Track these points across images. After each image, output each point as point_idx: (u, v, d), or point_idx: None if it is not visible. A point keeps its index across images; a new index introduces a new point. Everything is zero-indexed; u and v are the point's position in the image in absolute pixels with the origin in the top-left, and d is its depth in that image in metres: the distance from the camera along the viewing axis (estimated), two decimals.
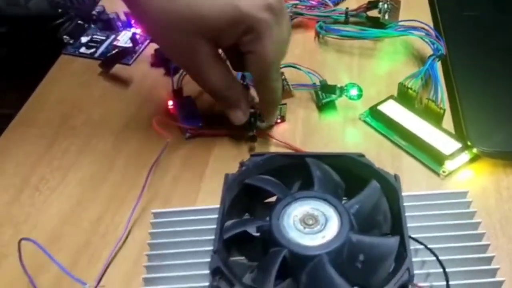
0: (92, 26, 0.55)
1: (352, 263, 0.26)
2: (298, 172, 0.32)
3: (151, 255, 0.32)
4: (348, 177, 0.31)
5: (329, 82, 0.44)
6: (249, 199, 0.31)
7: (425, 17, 0.52)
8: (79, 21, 0.54)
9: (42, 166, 0.41)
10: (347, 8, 0.52)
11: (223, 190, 0.30)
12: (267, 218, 0.28)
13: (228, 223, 0.29)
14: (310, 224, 0.27)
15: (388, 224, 0.29)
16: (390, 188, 0.29)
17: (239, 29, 0.34)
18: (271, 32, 0.34)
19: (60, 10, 0.56)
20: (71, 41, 0.53)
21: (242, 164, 0.31)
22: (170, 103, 0.45)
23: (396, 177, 0.30)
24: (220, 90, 0.38)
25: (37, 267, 0.34)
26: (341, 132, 0.43)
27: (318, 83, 0.44)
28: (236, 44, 0.35)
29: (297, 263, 0.26)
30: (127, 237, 0.36)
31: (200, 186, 0.39)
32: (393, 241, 0.26)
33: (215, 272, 0.26)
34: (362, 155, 0.31)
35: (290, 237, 0.27)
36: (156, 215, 0.34)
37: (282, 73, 0.43)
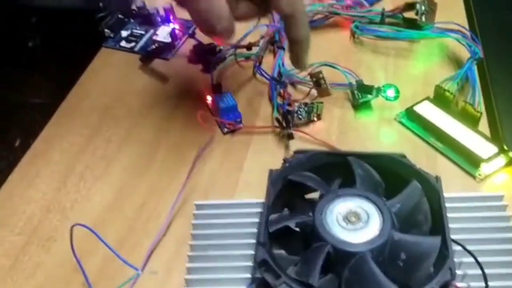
0: (132, 20, 0.56)
1: (393, 261, 0.27)
2: (338, 170, 0.33)
3: (194, 245, 0.33)
4: (388, 176, 0.32)
5: (365, 82, 0.45)
6: (290, 195, 0.32)
7: (461, 19, 0.53)
8: (119, 16, 0.56)
9: (86, 155, 0.43)
10: (383, 9, 0.52)
11: (268, 185, 0.31)
12: (310, 214, 0.29)
13: (272, 217, 0.30)
14: (353, 221, 0.28)
15: (428, 224, 0.30)
16: (431, 189, 0.30)
17: None
18: None
19: (101, 4, 0.57)
20: (111, 35, 0.54)
21: (285, 160, 0.32)
22: (209, 98, 0.46)
23: (437, 178, 0.31)
24: (212, 13, 0.35)
25: (85, 252, 0.35)
26: (376, 132, 0.43)
27: (354, 82, 0.45)
28: None
29: (340, 258, 0.27)
30: (168, 226, 0.37)
31: (238, 180, 0.40)
32: (436, 240, 0.27)
33: (261, 264, 0.27)
34: (403, 156, 0.32)
35: (333, 233, 0.28)
36: (199, 206, 0.36)
37: (320, 72, 0.44)
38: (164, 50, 0.51)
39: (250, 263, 0.32)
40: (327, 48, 0.52)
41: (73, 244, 0.33)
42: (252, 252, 0.32)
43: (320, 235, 0.28)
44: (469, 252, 0.29)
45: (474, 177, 0.38)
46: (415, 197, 0.30)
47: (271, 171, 0.32)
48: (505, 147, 0.38)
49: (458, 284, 0.28)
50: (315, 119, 0.44)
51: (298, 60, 0.40)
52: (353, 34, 0.52)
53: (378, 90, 0.43)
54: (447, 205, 0.32)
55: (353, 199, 0.29)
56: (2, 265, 0.36)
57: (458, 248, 0.30)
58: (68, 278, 0.35)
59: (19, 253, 0.36)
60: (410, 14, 0.51)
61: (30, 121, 0.79)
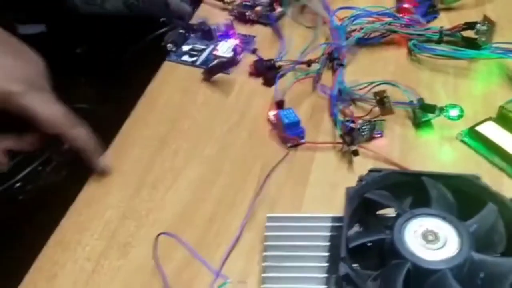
0: (192, 35, 0.59)
1: (472, 280, 0.28)
2: (410, 189, 0.34)
3: (268, 256, 0.35)
4: (461, 197, 0.32)
5: (425, 100, 0.46)
6: (364, 211, 0.33)
7: None
8: (181, 31, 0.58)
9: (156, 166, 0.45)
10: (441, 27, 0.53)
11: (346, 202, 0.32)
12: (387, 232, 0.31)
13: (350, 233, 0.31)
14: (431, 240, 0.29)
15: (503, 244, 0.31)
16: (506, 210, 0.31)
17: None
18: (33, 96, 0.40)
19: (162, 20, 0.60)
20: (174, 49, 0.57)
21: (361, 178, 0.34)
22: (272, 113, 0.48)
23: None
24: None
25: (161, 259, 0.37)
26: (438, 150, 0.44)
27: (414, 100, 0.46)
28: None
29: (420, 276, 0.28)
30: (238, 237, 0.39)
31: (304, 194, 0.42)
32: (507, 275, 0.28)
33: (344, 278, 0.28)
34: (478, 177, 0.33)
35: (412, 251, 0.29)
36: (270, 219, 0.37)
37: (385, 91, 0.45)
38: (227, 65, 0.53)
39: (322, 275, 0.33)
40: (385, 67, 0.53)
41: (157, 251, 0.35)
42: (323, 264, 0.34)
43: (399, 252, 0.29)
44: None
45: None
46: (491, 218, 0.30)
47: (347, 189, 0.33)
48: None
49: None
50: (378, 136, 0.45)
51: (92, 164, 0.43)
52: (410, 51, 0.53)
53: (441, 109, 0.44)
54: None
55: (430, 218, 0.30)
56: (84, 268, 0.38)
57: None
58: (146, 282, 0.37)
59: (99, 257, 0.38)
60: (467, 33, 0.52)
61: None
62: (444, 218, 0.30)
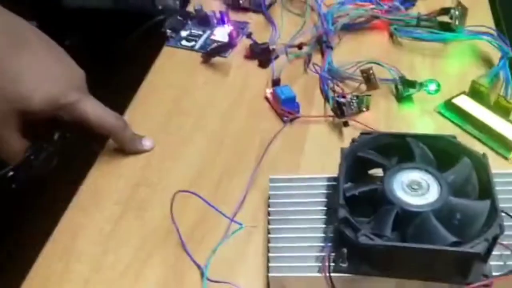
0: (189, 22, 0.62)
1: (450, 220, 0.33)
2: (397, 149, 0.38)
3: (273, 211, 0.39)
4: (440, 155, 0.37)
5: (406, 77, 0.51)
6: (356, 169, 0.38)
7: (488, 22, 0.58)
8: (179, 17, 0.62)
9: (163, 138, 0.49)
10: (419, 13, 0.58)
11: (341, 160, 0.37)
12: (378, 183, 0.35)
13: (346, 185, 0.36)
14: (415, 189, 0.34)
15: (475, 193, 0.35)
16: (479, 164, 0.36)
17: (54, 110, 0.42)
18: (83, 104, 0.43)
19: (160, 7, 0.64)
20: (173, 35, 0.61)
21: (354, 140, 0.38)
22: (269, 91, 0.52)
23: (484, 155, 0.36)
24: (6, 154, 0.44)
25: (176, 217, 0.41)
26: (419, 122, 0.49)
27: (397, 77, 0.51)
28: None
29: (406, 218, 0.33)
30: (245, 195, 0.43)
31: (300, 159, 0.46)
32: (486, 203, 0.33)
33: (343, 221, 0.33)
34: (454, 137, 0.38)
35: (400, 197, 0.34)
36: (273, 180, 0.41)
37: (371, 68, 0.49)
38: (224, 48, 0.57)
39: (322, 225, 0.38)
40: (369, 48, 0.58)
41: (173, 209, 0.39)
42: (323, 216, 0.38)
43: (389, 199, 0.34)
44: (509, 215, 0.35)
45: (507, 159, 0.44)
46: (466, 170, 0.35)
47: (342, 149, 0.38)
48: None
49: (504, 242, 0.34)
50: (364, 109, 0.50)
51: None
52: (391, 35, 0.58)
53: (421, 84, 0.49)
54: None
55: (414, 171, 0.35)
56: (104, 229, 0.41)
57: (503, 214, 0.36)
58: (163, 239, 0.40)
59: (117, 219, 0.42)
60: (443, 18, 0.58)
61: None
62: (426, 171, 0.35)
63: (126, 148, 0.47)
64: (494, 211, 0.33)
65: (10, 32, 0.40)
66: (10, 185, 0.64)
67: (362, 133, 0.38)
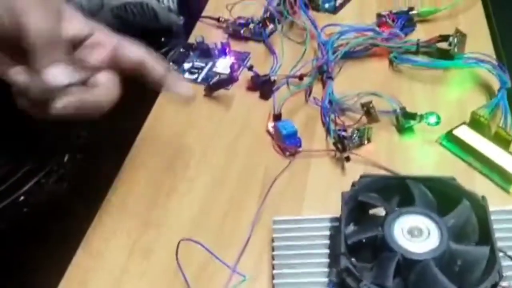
0: (191, 53, 0.63)
1: (451, 267, 0.34)
2: (397, 190, 0.39)
3: (277, 255, 0.40)
4: (440, 196, 0.38)
5: (407, 108, 0.52)
6: (358, 212, 0.39)
7: (488, 49, 0.59)
8: (181, 50, 0.63)
9: (169, 177, 0.50)
10: (418, 40, 0.59)
11: (342, 205, 0.38)
12: (379, 228, 0.36)
13: (348, 231, 0.36)
14: (416, 235, 0.35)
15: (475, 235, 0.36)
16: (478, 206, 0.36)
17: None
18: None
19: (163, 39, 0.65)
20: (175, 68, 0.61)
21: (354, 184, 0.39)
22: (270, 124, 0.53)
23: (483, 197, 0.37)
24: None
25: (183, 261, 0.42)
26: (420, 153, 0.50)
27: (397, 109, 0.51)
28: None
29: (407, 265, 0.34)
30: (248, 239, 0.44)
31: (304, 196, 0.47)
32: (485, 249, 0.34)
33: (345, 270, 0.34)
34: (453, 179, 0.38)
35: (400, 244, 0.35)
36: (276, 222, 0.42)
37: (371, 102, 0.50)
38: (226, 83, 0.58)
39: (326, 269, 0.39)
40: (369, 76, 0.59)
41: (179, 256, 0.40)
42: (326, 260, 0.39)
43: (390, 246, 0.34)
44: (510, 257, 0.36)
45: (508, 192, 0.45)
46: (466, 213, 0.36)
47: (343, 193, 0.38)
48: None
49: (504, 283, 0.35)
50: (366, 142, 0.50)
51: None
52: (391, 63, 0.59)
53: (421, 117, 0.49)
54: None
55: (414, 216, 0.36)
56: (113, 273, 0.42)
57: (501, 254, 0.36)
58: (171, 282, 0.41)
59: (126, 263, 0.43)
60: (442, 44, 0.58)
61: (76, 138, 0.86)
62: (426, 215, 0.36)
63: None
64: (493, 257, 0.33)
65: None
66: (22, 209, 0.65)
67: (362, 176, 0.39)
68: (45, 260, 0.57)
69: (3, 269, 0.57)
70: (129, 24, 1.04)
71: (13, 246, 0.59)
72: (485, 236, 0.35)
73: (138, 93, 0.67)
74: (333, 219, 0.41)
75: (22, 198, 0.64)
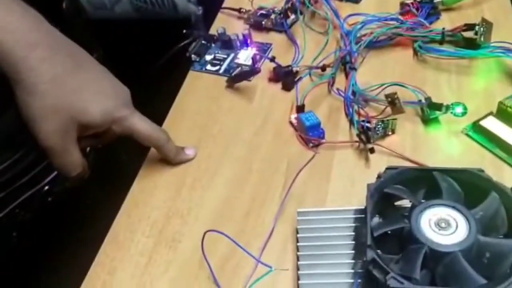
0: (213, 45, 0.63)
1: (479, 259, 0.33)
2: (423, 183, 0.39)
3: (301, 246, 0.40)
4: (467, 188, 0.38)
5: (432, 98, 0.51)
6: (383, 204, 0.39)
7: None
8: (203, 41, 0.63)
9: (193, 168, 0.50)
10: (443, 29, 0.58)
11: (367, 197, 0.37)
12: (406, 220, 0.36)
13: (373, 222, 0.36)
14: (443, 227, 0.35)
15: (504, 228, 0.36)
16: (507, 198, 0.36)
17: (107, 123, 0.45)
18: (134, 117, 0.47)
19: (184, 31, 0.65)
20: (197, 59, 0.62)
21: (379, 175, 0.39)
22: (293, 116, 0.53)
23: None
24: (70, 166, 0.46)
25: (207, 252, 0.42)
26: (446, 144, 0.49)
27: (423, 100, 0.51)
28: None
29: (435, 257, 0.34)
30: (272, 230, 0.44)
31: (328, 189, 0.47)
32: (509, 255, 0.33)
33: (371, 262, 0.34)
34: (481, 170, 0.38)
35: (428, 236, 0.34)
36: (300, 213, 0.42)
37: (395, 93, 0.49)
38: (248, 74, 0.58)
39: (351, 260, 0.39)
40: (393, 67, 0.58)
41: (204, 246, 0.41)
42: (351, 251, 0.39)
43: (417, 238, 0.34)
44: None
45: None
46: (494, 206, 0.36)
47: (368, 185, 0.38)
48: None
49: None
50: (390, 133, 0.50)
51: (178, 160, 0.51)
52: (416, 52, 0.58)
53: (447, 107, 0.49)
54: None
55: (442, 208, 0.36)
56: (139, 262, 0.43)
57: None
58: (196, 272, 0.42)
59: (151, 252, 0.44)
60: (468, 33, 0.57)
61: None
62: (453, 207, 0.35)
63: (171, 158, 0.50)
64: None
65: (72, 55, 0.44)
66: (46, 199, 0.67)
67: (387, 168, 0.39)
68: (71, 251, 0.58)
69: (31, 258, 0.59)
70: (148, 14, 1.05)
71: (39, 236, 0.61)
72: None
73: (161, 85, 0.68)
74: (357, 211, 0.41)
75: (46, 188, 0.66)
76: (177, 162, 0.50)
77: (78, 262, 0.47)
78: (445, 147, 0.49)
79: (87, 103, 0.44)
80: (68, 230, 0.65)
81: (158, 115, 0.58)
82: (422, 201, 0.38)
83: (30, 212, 0.64)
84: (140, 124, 0.47)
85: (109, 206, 0.51)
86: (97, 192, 0.73)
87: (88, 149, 0.85)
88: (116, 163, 0.73)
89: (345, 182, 0.47)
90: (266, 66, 0.59)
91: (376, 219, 0.39)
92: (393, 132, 0.50)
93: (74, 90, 0.43)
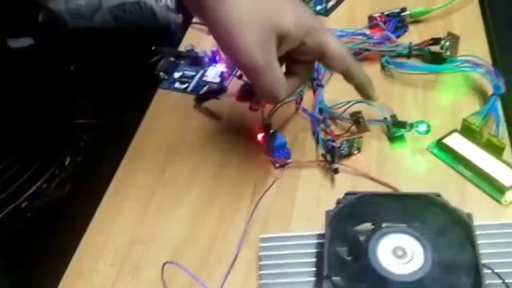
0: (182, 62, 0.63)
1: (439, 282, 0.33)
2: (382, 207, 0.39)
3: (264, 274, 0.40)
4: (425, 212, 0.38)
5: (397, 113, 0.51)
6: (343, 230, 0.38)
7: (483, 51, 0.57)
8: (171, 59, 0.63)
9: (159, 191, 0.50)
10: (410, 43, 0.58)
11: (326, 225, 0.37)
12: (364, 249, 0.36)
13: (336, 247, 0.36)
14: (400, 256, 0.35)
15: (462, 254, 0.36)
16: (464, 224, 0.36)
17: (302, 33, 0.41)
18: (326, 30, 0.42)
19: (153, 48, 0.64)
20: (166, 77, 0.61)
21: (338, 201, 0.38)
22: (260, 135, 0.52)
23: (469, 215, 0.36)
24: (276, 85, 0.41)
25: (168, 280, 0.42)
26: (411, 162, 0.49)
27: (388, 117, 0.51)
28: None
29: (392, 287, 0.34)
30: (236, 256, 0.44)
31: (293, 211, 0.47)
32: (471, 268, 0.33)
33: None
34: (439, 195, 0.38)
35: (383, 266, 0.34)
36: (263, 240, 0.42)
37: (360, 112, 0.49)
38: (215, 93, 0.57)
39: None
40: None
41: (164, 277, 0.40)
42: (313, 278, 0.39)
43: (373, 268, 0.34)
44: (498, 274, 0.35)
45: (500, 202, 0.44)
46: (452, 231, 0.36)
47: (327, 212, 0.38)
48: None
49: None
50: (356, 152, 0.50)
51: (368, 96, 0.47)
52: (383, 67, 0.58)
53: (411, 125, 0.49)
54: (477, 232, 0.38)
55: (399, 235, 0.36)
56: None
57: (489, 271, 0.36)
58: None
59: (114, 281, 0.43)
60: (435, 48, 0.57)
61: (77, 140, 0.86)
62: (410, 234, 0.35)
63: (360, 80, 0.46)
64: (478, 277, 0.33)
65: None
66: (25, 214, 0.66)
67: (347, 194, 0.39)
68: (43, 269, 0.58)
69: (8, 272, 0.59)
70: (127, 23, 1.04)
71: (18, 250, 0.60)
72: (472, 254, 0.35)
73: (131, 105, 0.67)
74: (321, 236, 0.41)
75: (25, 203, 0.65)
76: (363, 88, 0.46)
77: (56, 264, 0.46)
78: (410, 165, 0.49)
79: (280, 10, 0.39)
80: (44, 247, 0.65)
81: (128, 121, 0.58)
82: (384, 224, 0.38)
83: (9, 227, 0.63)
84: (334, 41, 0.42)
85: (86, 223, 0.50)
86: (77, 207, 0.73)
87: (67, 161, 0.84)
88: (96, 176, 0.73)
89: (310, 204, 0.47)
90: (235, 84, 0.59)
91: (339, 243, 0.39)
92: (358, 150, 0.50)
93: None
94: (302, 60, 0.44)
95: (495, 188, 0.44)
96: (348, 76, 0.45)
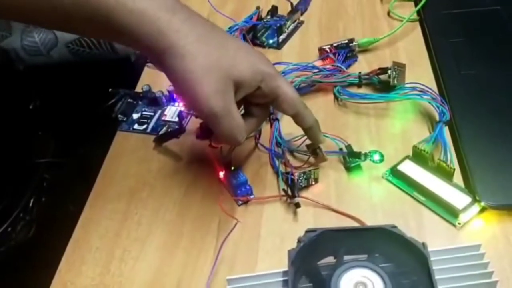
0: (140, 102, 0.63)
1: None
2: (343, 241, 0.40)
3: None
4: (382, 244, 0.39)
5: (352, 143, 0.53)
6: (306, 266, 0.39)
7: (428, 77, 0.60)
8: (129, 100, 0.63)
9: (122, 239, 0.49)
10: (360, 73, 0.60)
11: (289, 264, 0.38)
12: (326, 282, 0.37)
13: (300, 284, 0.37)
14: None
15: (420, 281, 0.37)
16: (419, 254, 0.37)
17: (257, 80, 0.44)
18: (279, 76, 0.46)
19: (110, 90, 0.64)
20: (124, 119, 0.61)
21: (299, 240, 0.39)
22: (221, 174, 0.53)
23: (424, 245, 0.38)
24: (236, 130, 0.43)
25: None
26: (368, 191, 0.51)
27: (343, 148, 0.52)
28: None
29: None
30: None
31: (258, 248, 0.47)
32: None
33: None
34: (394, 226, 0.39)
35: None
36: (230, 281, 0.42)
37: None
38: (174, 133, 0.58)
39: None
40: (315, 114, 0.59)
41: None
42: None
43: None
44: None
45: (454, 225, 0.46)
46: (408, 262, 0.37)
47: (289, 252, 0.39)
48: (477, 198, 0.46)
49: None
50: (313, 183, 0.51)
51: (316, 140, 0.50)
52: (336, 98, 0.60)
53: (366, 155, 0.50)
54: (433, 258, 0.39)
55: (359, 269, 0.37)
56: None
57: None
58: None
59: None
60: (384, 76, 0.59)
61: (39, 180, 0.84)
62: (369, 267, 0.37)
63: (309, 124, 0.49)
64: None
65: (201, 16, 0.43)
66: None
67: (307, 231, 0.40)
68: None
69: None
70: (86, 57, 1.03)
71: None
72: (429, 282, 0.36)
73: (95, 135, 0.67)
74: (286, 273, 0.41)
75: None
76: (312, 132, 0.49)
77: None
78: (368, 194, 0.51)
79: (234, 58, 0.42)
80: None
81: (90, 173, 0.57)
82: (346, 257, 0.39)
83: None
84: (286, 86, 0.45)
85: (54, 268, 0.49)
86: (42, 249, 0.71)
87: (31, 202, 0.82)
88: (62, 216, 0.71)
89: (275, 239, 0.48)
90: (194, 123, 0.60)
91: (304, 280, 0.40)
92: (316, 181, 0.51)
93: (218, 47, 0.42)
94: (258, 102, 0.46)
95: (448, 212, 0.46)
96: (298, 120, 0.48)
